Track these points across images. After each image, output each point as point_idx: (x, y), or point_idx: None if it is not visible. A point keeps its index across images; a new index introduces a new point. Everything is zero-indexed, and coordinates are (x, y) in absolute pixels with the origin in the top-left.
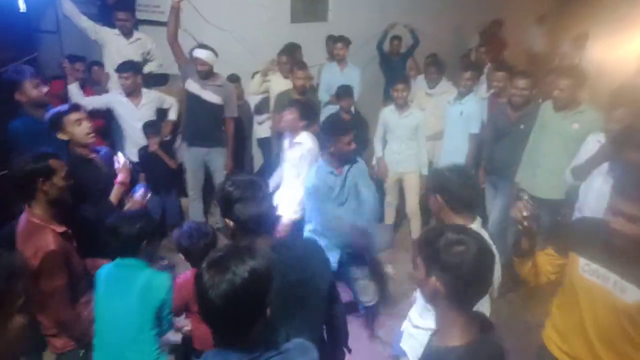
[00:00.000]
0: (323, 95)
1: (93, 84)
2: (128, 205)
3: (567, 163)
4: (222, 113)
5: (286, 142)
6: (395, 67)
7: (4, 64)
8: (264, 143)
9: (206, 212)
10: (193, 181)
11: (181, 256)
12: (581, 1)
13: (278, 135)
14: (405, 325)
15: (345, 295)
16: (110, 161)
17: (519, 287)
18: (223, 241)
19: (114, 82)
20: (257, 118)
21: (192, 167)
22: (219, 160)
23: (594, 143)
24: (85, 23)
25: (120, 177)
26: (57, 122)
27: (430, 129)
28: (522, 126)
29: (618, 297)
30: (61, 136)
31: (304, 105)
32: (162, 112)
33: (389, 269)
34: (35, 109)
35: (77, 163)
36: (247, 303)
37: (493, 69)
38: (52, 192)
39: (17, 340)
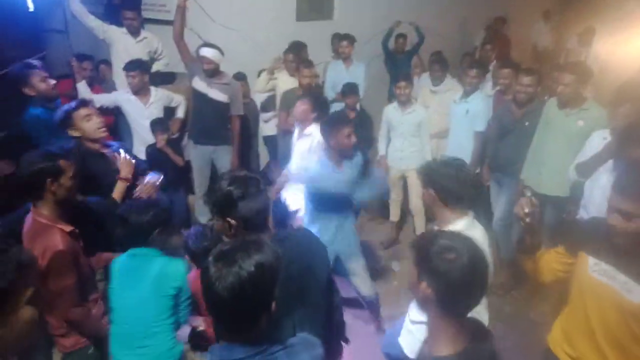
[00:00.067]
0: (328, 93)
1: (101, 82)
2: (139, 188)
3: (571, 160)
4: (228, 111)
5: (295, 133)
6: (400, 64)
7: (12, 63)
8: (269, 141)
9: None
10: (200, 179)
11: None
12: None
13: (284, 133)
14: (405, 322)
15: (349, 291)
16: None
17: (521, 285)
18: None
19: (122, 80)
20: (263, 116)
21: (199, 165)
22: (225, 158)
23: (598, 140)
24: (93, 22)
25: (122, 172)
26: (66, 120)
27: (434, 126)
28: (527, 123)
29: (625, 298)
30: (72, 133)
31: (316, 97)
32: (169, 110)
33: (394, 266)
34: (45, 103)
35: (87, 157)
36: (252, 296)
37: (499, 67)
38: (59, 192)
39: (28, 331)
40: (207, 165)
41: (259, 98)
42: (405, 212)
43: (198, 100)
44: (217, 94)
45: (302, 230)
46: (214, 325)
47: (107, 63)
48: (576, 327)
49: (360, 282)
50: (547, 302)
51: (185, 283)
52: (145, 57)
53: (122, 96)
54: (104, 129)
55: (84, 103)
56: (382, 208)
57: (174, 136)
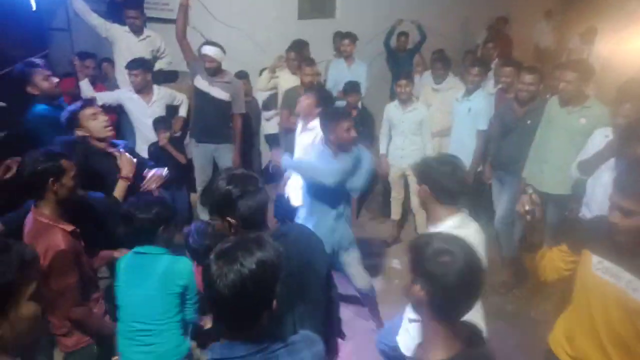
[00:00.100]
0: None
1: (103, 80)
2: (146, 181)
3: (574, 158)
4: (230, 109)
5: (299, 127)
6: (402, 63)
7: (15, 62)
8: (271, 139)
9: None
10: (201, 177)
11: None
12: None
13: (286, 131)
14: (403, 320)
15: (349, 287)
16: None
17: (523, 283)
18: None
19: (124, 78)
20: (264, 114)
21: (201, 163)
22: (227, 156)
23: (600, 138)
24: (96, 20)
25: (123, 171)
26: (72, 119)
27: (436, 124)
28: (528, 122)
29: (630, 296)
30: (79, 132)
31: (321, 91)
32: (172, 109)
33: (395, 264)
34: (48, 101)
35: (93, 156)
36: (254, 294)
37: (500, 65)
38: (61, 191)
39: (31, 327)
40: (209, 163)
41: (260, 96)
42: (407, 210)
43: (200, 98)
44: (219, 93)
45: (299, 226)
46: (214, 323)
47: (110, 61)
48: (579, 327)
49: (355, 273)
50: (548, 300)
51: (192, 281)
52: (147, 56)
53: (124, 94)
54: (110, 127)
55: (90, 102)
56: (383, 207)
57: (177, 134)
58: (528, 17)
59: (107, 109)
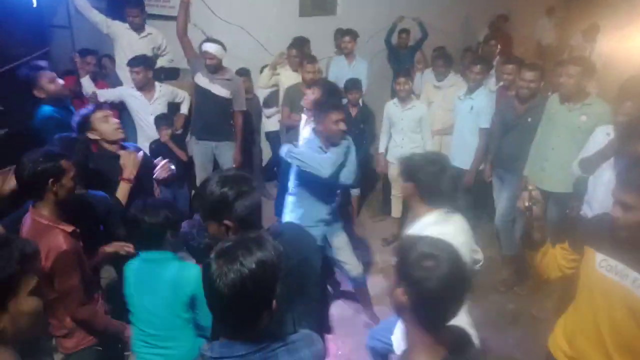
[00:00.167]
0: None
1: (104, 77)
2: (157, 169)
3: (575, 156)
4: (230, 107)
5: (303, 120)
6: (403, 60)
7: (16, 59)
8: (272, 137)
9: None
10: (202, 175)
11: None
12: None
13: (287, 128)
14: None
15: (348, 284)
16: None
17: (524, 281)
18: None
19: (125, 75)
20: (265, 112)
21: (201, 161)
22: (227, 153)
23: (602, 136)
24: (97, 17)
25: (125, 173)
26: (84, 123)
27: (437, 122)
28: (529, 119)
29: (636, 296)
30: (91, 135)
31: (327, 85)
32: (173, 106)
33: (395, 262)
34: (54, 103)
35: (104, 159)
36: (254, 294)
37: (502, 62)
38: (61, 192)
39: (32, 322)
40: (209, 161)
41: (261, 94)
42: (407, 208)
43: (200, 96)
44: (219, 90)
45: (293, 224)
46: (213, 322)
47: (111, 58)
48: (580, 327)
49: (347, 259)
50: (549, 298)
51: (200, 288)
52: (149, 53)
53: (126, 91)
54: (121, 129)
55: (100, 106)
56: (383, 205)
57: (178, 132)
58: (530, 14)
59: (108, 105)
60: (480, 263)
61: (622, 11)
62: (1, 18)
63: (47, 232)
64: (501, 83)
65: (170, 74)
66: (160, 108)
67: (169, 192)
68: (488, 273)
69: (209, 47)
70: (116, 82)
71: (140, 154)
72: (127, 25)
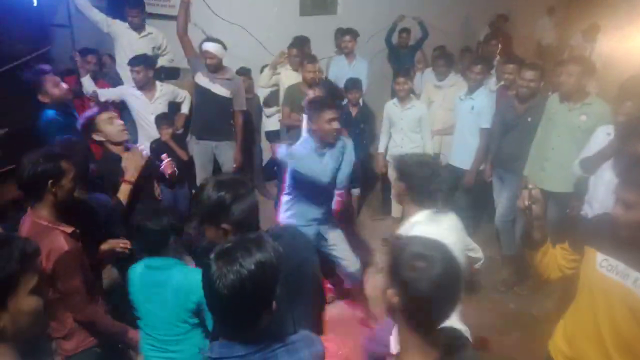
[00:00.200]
0: None
1: (104, 75)
2: (164, 164)
3: (575, 155)
4: (231, 106)
5: (305, 122)
6: (403, 60)
7: (17, 58)
8: (272, 136)
9: None
10: (202, 174)
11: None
12: None
13: (287, 128)
14: None
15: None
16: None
17: (524, 281)
18: None
19: (125, 73)
20: (266, 111)
21: (202, 161)
22: (228, 153)
23: (603, 136)
24: (98, 16)
25: (126, 175)
26: (89, 125)
27: (438, 122)
28: (529, 119)
29: (637, 296)
30: (96, 137)
31: (329, 86)
32: (174, 106)
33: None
34: (58, 107)
35: (109, 160)
36: (253, 295)
37: (503, 62)
38: (60, 193)
39: (32, 321)
40: (209, 161)
41: (262, 93)
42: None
43: (201, 95)
44: (219, 89)
45: (291, 227)
46: (213, 323)
47: (112, 56)
48: (580, 328)
49: (343, 254)
50: (550, 298)
51: None
52: (149, 53)
53: (127, 91)
54: (126, 131)
55: (105, 107)
56: (383, 205)
57: (179, 132)
58: (530, 14)
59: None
60: (481, 262)
61: (622, 11)
62: (1, 17)
63: (47, 233)
64: (501, 83)
65: (170, 74)
66: (161, 107)
67: (170, 192)
68: (488, 273)
69: (209, 47)
70: (117, 80)
71: (145, 153)
72: (127, 24)
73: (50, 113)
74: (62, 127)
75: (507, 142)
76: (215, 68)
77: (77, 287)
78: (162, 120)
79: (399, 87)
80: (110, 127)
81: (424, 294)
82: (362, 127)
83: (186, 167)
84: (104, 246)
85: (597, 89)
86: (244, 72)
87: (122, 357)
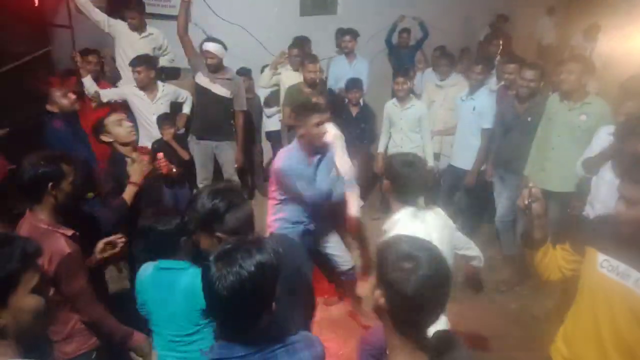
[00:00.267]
0: (332, 89)
1: (104, 75)
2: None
3: (576, 155)
4: (231, 106)
5: None
6: (404, 60)
7: (17, 58)
8: (273, 136)
9: None
10: (203, 174)
11: None
12: None
13: (288, 128)
14: None
15: None
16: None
17: (525, 281)
18: None
19: (125, 73)
20: (266, 111)
21: (202, 161)
22: (228, 153)
23: (605, 136)
24: (99, 16)
25: (133, 177)
26: (98, 126)
27: (439, 122)
28: (529, 119)
29: (639, 296)
30: (104, 138)
31: (331, 96)
32: (175, 106)
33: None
34: (66, 118)
35: (118, 161)
36: (253, 296)
37: (504, 62)
38: (60, 196)
39: (33, 320)
40: (210, 160)
41: (262, 93)
42: None
43: (201, 95)
44: (220, 89)
45: (283, 236)
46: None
47: (113, 58)
48: (580, 329)
49: (337, 251)
50: (551, 298)
51: None
52: (150, 53)
53: (130, 91)
54: (134, 132)
55: (114, 109)
56: (383, 204)
57: (180, 132)
58: (530, 13)
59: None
60: (478, 260)
61: (622, 11)
62: (2, 17)
63: (48, 237)
64: (502, 82)
65: (170, 74)
66: (163, 108)
67: (170, 192)
68: (489, 273)
69: (210, 47)
70: (117, 78)
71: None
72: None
73: (57, 125)
74: (68, 137)
75: (507, 142)
76: (216, 68)
77: (81, 289)
78: (163, 120)
79: (398, 87)
80: (119, 128)
81: (410, 295)
82: (363, 127)
83: (188, 167)
84: (99, 246)
85: (597, 88)
86: (245, 72)
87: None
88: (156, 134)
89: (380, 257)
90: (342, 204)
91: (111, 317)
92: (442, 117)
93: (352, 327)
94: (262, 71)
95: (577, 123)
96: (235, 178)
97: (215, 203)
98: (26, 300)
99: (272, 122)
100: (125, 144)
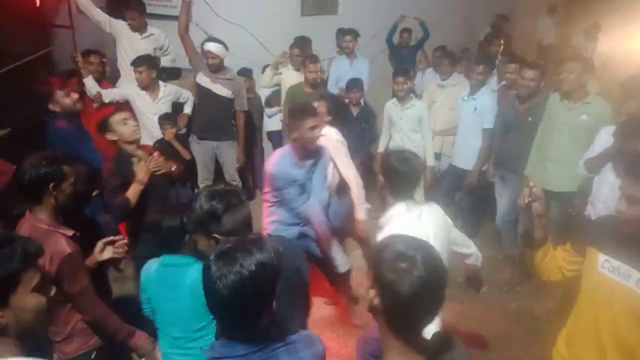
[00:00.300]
0: (332, 88)
1: (104, 75)
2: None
3: (576, 155)
4: (232, 106)
5: None
6: (404, 59)
7: (18, 58)
8: (274, 136)
9: None
10: (204, 174)
11: None
12: None
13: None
14: None
15: None
16: None
17: (527, 280)
18: None
19: (126, 72)
20: (267, 111)
21: (203, 160)
22: (229, 152)
23: (607, 136)
24: (100, 16)
25: (138, 175)
26: (104, 125)
27: (440, 122)
28: (530, 119)
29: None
30: (109, 136)
31: (333, 101)
32: (177, 106)
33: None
34: (69, 117)
35: (123, 159)
36: (254, 295)
37: (505, 61)
38: (60, 198)
39: (35, 319)
40: (211, 160)
41: (263, 93)
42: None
43: (202, 95)
44: (220, 90)
45: (282, 238)
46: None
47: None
48: (581, 331)
49: (332, 252)
50: (552, 298)
51: None
52: (151, 53)
53: (132, 90)
54: (138, 131)
55: (121, 108)
56: (384, 203)
57: (182, 132)
58: (531, 13)
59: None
60: (474, 258)
61: (623, 10)
62: (3, 16)
63: (48, 237)
64: (503, 82)
65: (171, 74)
66: (165, 108)
67: (172, 191)
68: (490, 272)
69: (211, 47)
70: (119, 77)
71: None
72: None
73: (60, 123)
74: (71, 136)
75: (508, 142)
76: (217, 68)
77: (83, 288)
78: (165, 120)
79: (398, 87)
80: (124, 127)
81: (404, 295)
82: (364, 127)
83: (189, 166)
84: (98, 247)
85: (598, 88)
86: (245, 73)
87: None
88: (158, 134)
89: (376, 256)
90: (348, 207)
91: (114, 316)
92: (443, 117)
93: (353, 327)
94: (263, 71)
95: (578, 123)
96: (237, 178)
97: (212, 204)
98: (27, 300)
99: (273, 122)
100: (129, 143)
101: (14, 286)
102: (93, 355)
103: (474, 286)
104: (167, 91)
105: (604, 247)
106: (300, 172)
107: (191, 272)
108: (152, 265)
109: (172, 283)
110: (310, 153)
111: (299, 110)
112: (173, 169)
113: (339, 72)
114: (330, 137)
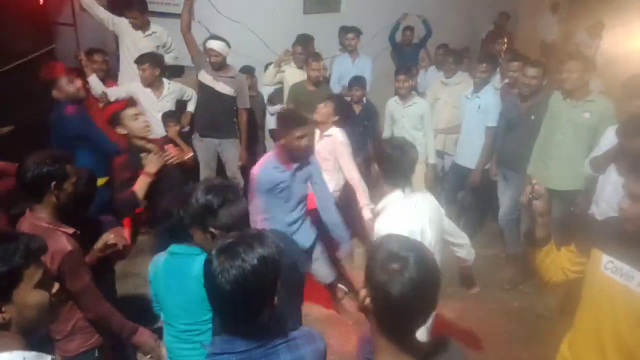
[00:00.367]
0: (335, 86)
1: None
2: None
3: (579, 153)
4: (234, 104)
5: (317, 135)
6: (407, 57)
7: (22, 56)
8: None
9: None
10: (206, 171)
11: None
12: None
13: None
14: None
15: None
16: None
17: (529, 279)
18: None
19: (127, 70)
20: (269, 109)
21: (205, 158)
22: (231, 150)
23: (612, 135)
24: (103, 14)
25: (147, 168)
26: (114, 118)
27: (443, 120)
28: (532, 117)
29: None
30: (120, 130)
31: (339, 101)
32: (180, 103)
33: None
34: (72, 104)
35: (132, 151)
36: (255, 290)
37: (508, 59)
38: (61, 197)
39: (38, 315)
40: (213, 158)
41: (266, 91)
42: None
43: (204, 93)
44: (223, 87)
45: (278, 232)
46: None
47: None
48: (582, 332)
49: (318, 267)
50: (554, 297)
51: None
52: (154, 51)
53: (137, 88)
54: (149, 127)
55: (132, 103)
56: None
57: (185, 129)
58: (534, 11)
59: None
60: (465, 247)
61: (626, 8)
62: (6, 15)
63: (49, 235)
64: (506, 80)
65: (174, 72)
66: (169, 105)
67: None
68: (493, 271)
69: (213, 44)
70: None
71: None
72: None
73: (65, 107)
74: (81, 122)
75: (511, 140)
76: (219, 66)
77: (85, 286)
78: (168, 117)
79: (399, 85)
80: (134, 122)
81: (395, 297)
82: (366, 124)
83: (190, 165)
84: (99, 244)
85: (601, 86)
86: (248, 70)
87: (123, 357)
88: (161, 131)
89: (369, 256)
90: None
91: (117, 313)
92: (446, 116)
93: (355, 325)
94: (265, 69)
95: (581, 121)
96: (239, 176)
97: (209, 198)
98: (30, 296)
99: (275, 119)
100: (140, 138)
101: (17, 282)
102: (96, 354)
103: (466, 285)
104: (171, 89)
105: (608, 247)
106: (283, 173)
107: (198, 262)
108: (159, 258)
109: (179, 274)
110: (296, 157)
111: (287, 118)
112: (186, 158)
113: (342, 70)
114: (336, 140)
